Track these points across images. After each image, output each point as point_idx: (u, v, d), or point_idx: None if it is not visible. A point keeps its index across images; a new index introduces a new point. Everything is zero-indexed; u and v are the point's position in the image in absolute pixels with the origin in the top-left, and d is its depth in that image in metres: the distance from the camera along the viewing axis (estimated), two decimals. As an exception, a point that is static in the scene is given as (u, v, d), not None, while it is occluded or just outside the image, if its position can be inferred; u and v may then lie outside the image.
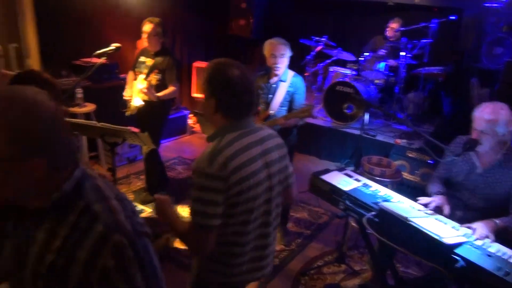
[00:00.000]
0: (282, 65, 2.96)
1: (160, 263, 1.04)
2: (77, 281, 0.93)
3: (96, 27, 4.68)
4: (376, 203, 2.16)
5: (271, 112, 3.00)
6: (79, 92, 3.94)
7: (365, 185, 2.45)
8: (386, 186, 2.63)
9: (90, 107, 4.03)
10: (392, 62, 5.22)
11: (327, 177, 2.47)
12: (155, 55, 3.50)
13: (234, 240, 1.56)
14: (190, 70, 6.07)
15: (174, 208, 1.66)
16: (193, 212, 1.47)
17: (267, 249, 1.68)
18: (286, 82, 3.01)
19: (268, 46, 2.97)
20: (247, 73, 1.55)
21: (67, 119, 2.71)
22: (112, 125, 2.67)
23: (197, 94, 5.98)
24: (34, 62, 3.62)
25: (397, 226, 1.93)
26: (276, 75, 2.99)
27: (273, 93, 3.02)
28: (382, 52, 5.18)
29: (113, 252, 0.92)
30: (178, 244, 3.04)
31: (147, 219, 3.54)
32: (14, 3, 3.45)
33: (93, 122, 2.85)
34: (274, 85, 3.03)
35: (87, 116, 3.97)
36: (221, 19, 6.40)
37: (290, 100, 3.04)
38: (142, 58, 3.58)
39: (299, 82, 3.07)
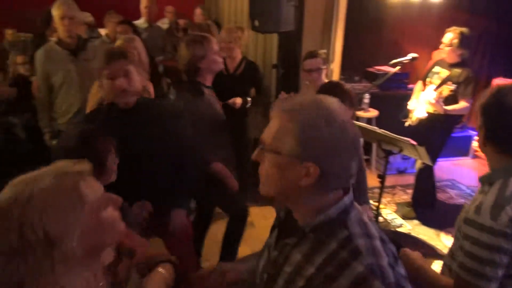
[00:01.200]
0: None
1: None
2: None
3: (393, 36, 4.79)
4: None
5: None
6: (366, 98, 4.18)
7: None
8: None
9: (373, 112, 4.21)
10: None
11: None
12: (452, 66, 3.28)
13: None
14: (488, 86, 5.33)
15: (423, 262, 1.48)
16: (465, 268, 1.25)
17: None
18: None
19: None
20: None
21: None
22: (391, 134, 2.69)
23: (490, 115, 5.23)
24: (335, 66, 4.08)
25: None
26: None
27: None
28: None
29: None
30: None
31: (405, 235, 3.43)
32: (332, 12, 3.96)
33: (374, 128, 2.96)
34: None
35: (368, 120, 4.16)
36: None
37: None
38: (436, 69, 3.43)
39: None
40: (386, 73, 4.26)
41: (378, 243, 0.91)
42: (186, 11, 5.73)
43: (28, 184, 0.79)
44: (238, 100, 3.08)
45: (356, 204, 0.99)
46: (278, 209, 1.08)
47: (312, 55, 2.90)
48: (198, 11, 5.32)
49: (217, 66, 2.41)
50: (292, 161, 0.91)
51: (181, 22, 5.00)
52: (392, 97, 4.46)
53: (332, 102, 0.95)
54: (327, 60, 2.93)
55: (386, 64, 4.36)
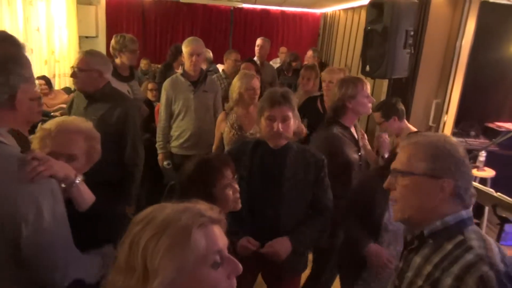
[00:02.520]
0: None
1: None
2: None
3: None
4: None
5: None
6: (482, 155, 3.81)
7: None
8: None
9: (489, 172, 3.82)
10: None
11: None
12: None
13: None
14: None
15: None
16: None
17: None
18: None
19: None
20: None
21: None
22: (511, 199, 2.41)
23: None
24: (449, 119, 3.83)
25: None
26: None
27: None
28: None
29: (477, 282, 0.93)
30: None
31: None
32: (451, 61, 3.78)
33: (489, 189, 2.67)
34: None
35: (482, 180, 3.78)
36: None
37: None
38: None
39: None
40: (509, 131, 3.87)
41: (494, 247, 1.00)
42: (300, 52, 5.99)
43: (156, 210, 0.78)
44: None
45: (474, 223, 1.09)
46: (405, 233, 1.20)
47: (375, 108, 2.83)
48: (309, 53, 5.52)
49: (364, 109, 2.41)
50: (427, 180, 1.05)
51: (294, 63, 5.22)
52: (514, 157, 4.00)
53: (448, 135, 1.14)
54: (388, 115, 2.81)
55: (510, 121, 3.97)
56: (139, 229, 0.74)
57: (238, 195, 1.56)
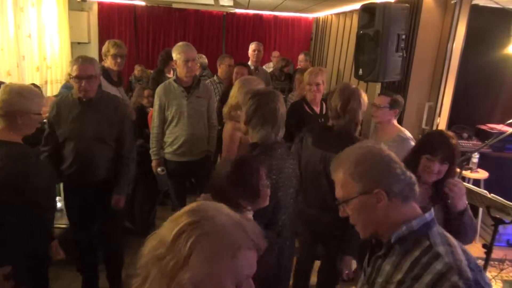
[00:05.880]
0: None
1: None
2: None
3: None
4: None
5: None
6: (475, 157, 3.84)
7: None
8: None
9: (482, 174, 3.84)
10: None
11: None
12: None
13: None
14: None
15: None
16: None
17: None
18: None
19: None
20: None
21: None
22: (505, 200, 2.42)
23: None
24: (442, 121, 3.86)
25: None
26: None
27: None
28: None
29: None
30: None
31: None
32: (443, 64, 3.82)
33: (483, 191, 2.69)
34: None
35: (475, 182, 3.80)
36: None
37: None
38: None
39: None
40: (501, 132, 3.90)
41: (459, 251, 1.02)
42: (293, 56, 6.01)
43: (212, 209, 0.82)
44: None
45: (437, 224, 1.12)
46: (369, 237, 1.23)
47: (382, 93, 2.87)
48: (301, 57, 5.54)
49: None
50: (363, 198, 1.11)
51: (286, 69, 5.24)
52: (507, 159, 4.03)
53: (377, 147, 1.18)
54: (394, 105, 2.83)
55: (502, 122, 4.00)
56: (193, 220, 0.77)
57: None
